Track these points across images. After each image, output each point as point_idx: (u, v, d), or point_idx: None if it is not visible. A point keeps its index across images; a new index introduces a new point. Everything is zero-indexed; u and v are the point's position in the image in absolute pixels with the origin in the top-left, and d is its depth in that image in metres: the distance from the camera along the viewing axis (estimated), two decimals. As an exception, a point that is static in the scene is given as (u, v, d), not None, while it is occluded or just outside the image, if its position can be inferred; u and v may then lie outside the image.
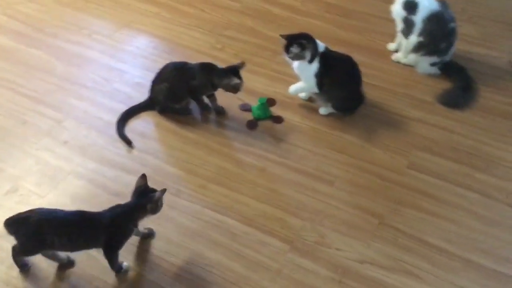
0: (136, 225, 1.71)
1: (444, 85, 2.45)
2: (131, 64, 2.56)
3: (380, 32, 2.74)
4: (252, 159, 2.12)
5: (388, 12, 2.48)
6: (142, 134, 2.20)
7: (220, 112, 2.28)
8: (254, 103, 2.29)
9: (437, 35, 2.38)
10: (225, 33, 2.74)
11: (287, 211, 1.93)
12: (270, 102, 2.33)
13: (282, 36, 2.16)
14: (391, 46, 2.65)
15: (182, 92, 2.21)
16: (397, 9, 2.41)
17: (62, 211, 1.65)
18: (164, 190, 1.68)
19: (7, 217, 1.62)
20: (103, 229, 1.63)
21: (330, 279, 1.73)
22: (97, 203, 1.91)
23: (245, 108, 2.31)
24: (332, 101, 2.25)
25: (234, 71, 2.13)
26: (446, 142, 2.20)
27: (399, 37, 2.56)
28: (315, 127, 2.25)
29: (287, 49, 2.14)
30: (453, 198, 1.99)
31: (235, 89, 2.15)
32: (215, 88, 2.20)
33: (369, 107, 2.33)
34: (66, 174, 2.04)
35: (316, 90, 2.22)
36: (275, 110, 2.31)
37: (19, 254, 1.70)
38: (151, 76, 2.32)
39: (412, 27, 2.40)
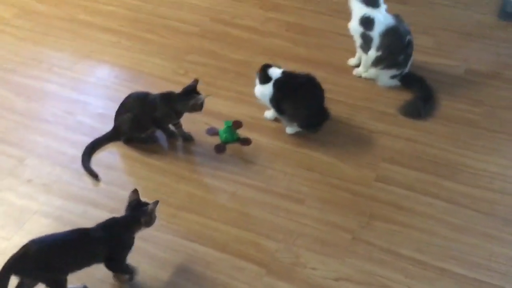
0: (133, 238, 1.71)
1: (405, 96, 2.50)
2: (93, 95, 2.52)
3: (340, 48, 2.79)
4: (222, 184, 2.11)
5: (346, 28, 2.53)
6: (108, 166, 2.16)
7: (187, 138, 2.27)
8: (221, 126, 2.29)
9: (394, 48, 2.44)
10: (187, 58, 2.74)
11: (260, 233, 1.92)
12: (237, 124, 2.33)
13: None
14: (352, 61, 2.70)
15: (146, 122, 2.19)
16: (354, 26, 2.47)
17: (54, 234, 1.64)
18: (156, 202, 1.71)
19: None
20: (102, 242, 1.64)
21: (308, 299, 1.73)
22: (65, 242, 1.87)
23: (212, 132, 2.30)
24: (296, 120, 2.27)
25: (193, 90, 2.13)
26: (411, 153, 2.24)
27: (359, 52, 2.62)
28: (283, 146, 2.26)
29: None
30: (421, 207, 2.02)
31: (202, 106, 2.13)
32: (179, 115, 2.18)
33: (334, 123, 2.36)
34: (31, 213, 1.98)
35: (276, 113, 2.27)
36: (242, 132, 2.31)
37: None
38: (114, 106, 2.29)
39: (370, 42, 2.46)
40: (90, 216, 1.96)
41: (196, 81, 2.15)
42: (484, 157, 2.22)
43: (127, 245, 1.70)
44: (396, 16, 2.46)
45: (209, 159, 2.20)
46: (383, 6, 2.43)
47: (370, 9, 2.40)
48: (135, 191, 1.73)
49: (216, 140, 2.27)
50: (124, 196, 2.02)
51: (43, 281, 1.63)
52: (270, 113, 2.36)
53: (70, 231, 1.65)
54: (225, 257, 1.84)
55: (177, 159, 2.21)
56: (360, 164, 2.19)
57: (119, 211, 1.96)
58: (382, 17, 2.41)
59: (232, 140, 2.26)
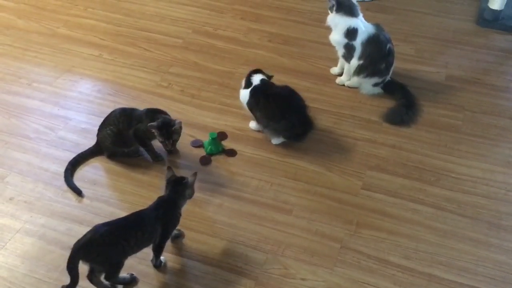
0: (180, 213, 1.78)
1: (388, 103, 2.53)
2: (76, 110, 2.49)
3: (323, 57, 2.81)
4: (208, 196, 2.09)
5: (328, 37, 2.55)
6: (92, 182, 2.13)
7: (172, 152, 2.25)
8: (205, 138, 2.28)
9: (376, 57, 2.47)
10: (170, 70, 2.73)
11: (248, 245, 1.91)
12: (221, 136, 2.32)
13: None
14: (334, 70, 2.72)
15: (130, 138, 2.17)
16: (338, 38, 2.48)
17: (115, 220, 1.72)
18: (195, 174, 1.80)
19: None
20: (158, 221, 1.71)
21: (298, 311, 1.72)
22: (50, 260, 1.84)
23: (197, 144, 2.29)
24: (280, 132, 2.26)
25: (164, 122, 2.06)
26: (396, 159, 2.26)
27: (341, 61, 2.64)
28: (268, 157, 2.26)
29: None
30: (408, 214, 2.03)
31: (152, 134, 2.08)
32: (152, 136, 2.12)
33: (319, 132, 2.37)
34: (14, 232, 1.93)
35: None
36: (227, 144, 2.30)
37: (109, 278, 1.70)
38: (97, 120, 2.26)
39: (353, 51, 2.48)
40: (75, 234, 1.91)
41: (179, 123, 2.09)
42: (467, 162, 2.25)
43: (177, 220, 1.78)
44: (377, 25, 2.49)
45: (195, 171, 2.17)
46: (361, 14, 2.46)
47: (354, 20, 2.43)
48: (169, 168, 1.80)
49: (201, 152, 2.26)
50: (109, 212, 2.01)
51: (106, 266, 1.68)
52: (255, 124, 2.36)
53: (128, 215, 1.74)
54: (213, 270, 1.82)
55: (162, 173, 2.16)
56: (346, 172, 2.19)
57: (104, 227, 1.94)
58: (363, 26, 2.44)
59: (217, 151, 2.25)
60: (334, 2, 2.43)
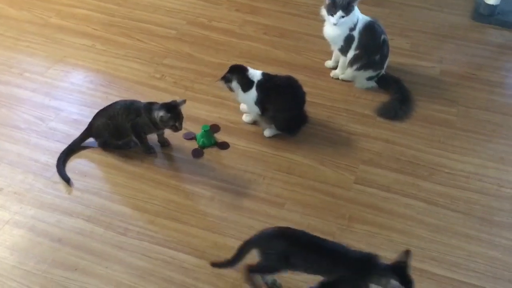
0: None
1: (382, 98, 2.52)
2: (67, 100, 2.46)
3: (317, 50, 2.79)
4: (200, 189, 2.07)
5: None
6: (83, 173, 2.11)
7: (164, 144, 2.23)
8: (198, 131, 2.26)
9: (370, 47, 2.45)
10: (164, 61, 2.71)
11: (240, 239, 1.87)
12: (214, 128, 2.31)
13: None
14: (329, 63, 2.70)
15: (126, 130, 2.14)
16: (340, 31, 2.42)
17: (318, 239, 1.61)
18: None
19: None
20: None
21: (289, 305, 1.71)
22: (39, 252, 1.82)
23: (189, 137, 2.27)
24: (275, 123, 2.25)
25: (169, 106, 2.04)
26: (389, 154, 2.25)
27: (336, 54, 2.62)
28: (261, 150, 2.24)
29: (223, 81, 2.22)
30: (400, 209, 2.02)
31: (162, 122, 2.05)
32: (157, 127, 2.11)
33: (312, 125, 2.35)
34: (3, 223, 1.91)
35: (259, 113, 2.24)
36: (219, 136, 2.29)
37: (263, 271, 1.68)
38: (88, 111, 2.25)
39: (352, 43, 2.45)
40: (65, 226, 1.91)
41: (183, 101, 2.07)
42: (461, 157, 2.24)
43: None
44: (372, 18, 2.47)
45: (187, 164, 2.16)
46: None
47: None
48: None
49: (193, 145, 2.24)
50: (100, 204, 1.99)
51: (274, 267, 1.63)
52: (248, 117, 2.34)
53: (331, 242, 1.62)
54: (204, 263, 1.80)
55: (154, 165, 2.16)
56: (339, 166, 2.18)
57: (95, 219, 1.93)
58: (360, 15, 2.42)
59: (209, 144, 2.24)
60: None
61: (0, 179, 2.07)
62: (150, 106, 2.10)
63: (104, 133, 2.16)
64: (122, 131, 2.14)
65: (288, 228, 1.64)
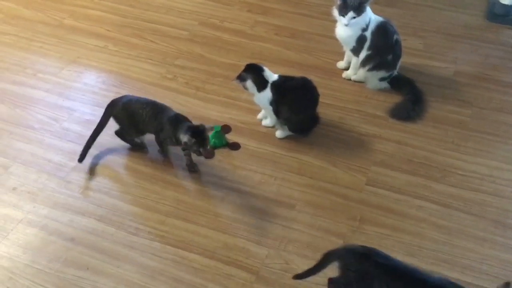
0: None
1: (395, 98, 2.49)
2: (80, 101, 2.48)
3: (329, 51, 2.78)
4: (211, 189, 2.08)
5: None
6: (94, 173, 2.13)
7: (192, 169, 2.13)
8: (209, 131, 2.26)
9: (383, 47, 2.43)
10: (176, 62, 2.72)
11: (250, 239, 1.89)
12: (225, 129, 2.31)
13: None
14: (340, 64, 2.68)
15: (146, 130, 2.12)
16: (353, 32, 2.41)
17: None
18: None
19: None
20: None
21: (299, 306, 1.70)
22: (52, 251, 1.84)
23: (201, 137, 2.28)
24: (288, 124, 2.24)
25: (195, 130, 1.94)
26: (401, 155, 2.23)
27: (348, 55, 2.60)
28: (272, 151, 2.24)
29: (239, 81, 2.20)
30: (412, 211, 2.00)
31: (186, 145, 1.96)
32: (179, 143, 2.01)
33: (324, 127, 2.34)
34: (16, 222, 1.93)
35: (273, 117, 2.24)
36: (231, 137, 2.29)
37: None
38: (101, 112, 2.25)
39: (364, 43, 2.44)
40: (77, 225, 1.93)
41: (211, 129, 2.00)
42: (474, 159, 2.22)
43: None
44: (385, 19, 2.45)
45: (198, 165, 2.16)
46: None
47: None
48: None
49: (204, 145, 2.24)
50: (112, 203, 2.00)
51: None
52: (268, 120, 2.33)
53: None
54: (214, 264, 1.81)
55: (164, 165, 2.17)
56: (351, 168, 2.17)
57: (106, 218, 1.94)
58: (372, 15, 2.41)
59: (220, 145, 2.24)
60: None
61: (14, 178, 2.10)
62: (176, 123, 2.01)
63: (124, 124, 2.15)
64: (142, 129, 2.12)
65: (375, 250, 1.55)
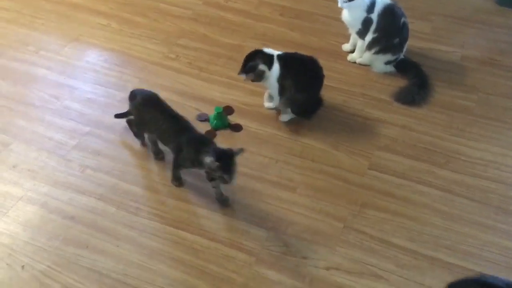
0: None
1: (400, 82, 2.46)
2: (82, 79, 2.46)
3: (335, 33, 2.73)
4: (212, 171, 2.06)
5: (341, 13, 2.48)
6: (96, 152, 2.11)
7: (224, 202, 1.93)
8: (211, 112, 2.24)
9: (390, 29, 2.39)
10: (179, 42, 2.68)
11: (250, 222, 1.88)
12: (227, 110, 2.28)
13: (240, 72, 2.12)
14: (346, 46, 2.64)
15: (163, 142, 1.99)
16: (358, 14, 2.37)
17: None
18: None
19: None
20: None
21: (298, 289, 1.70)
22: (51, 229, 1.84)
23: (202, 118, 2.25)
24: (292, 106, 2.21)
25: (222, 154, 1.74)
26: (405, 140, 2.20)
27: (354, 38, 2.56)
28: (274, 133, 2.22)
29: (247, 74, 2.11)
30: (415, 196, 1.99)
31: (209, 169, 1.75)
32: (202, 167, 1.81)
33: (327, 110, 2.31)
34: (16, 200, 1.93)
35: (277, 97, 2.19)
36: (233, 118, 2.26)
37: None
38: (103, 90, 2.24)
39: (370, 25, 2.40)
40: (77, 204, 1.92)
41: (241, 150, 1.77)
42: (479, 145, 2.19)
43: None
44: (391, 1, 2.40)
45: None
46: None
47: None
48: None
49: (206, 126, 2.22)
50: (112, 183, 1.99)
51: None
52: (271, 103, 2.29)
53: None
54: (214, 245, 1.80)
55: (166, 146, 2.15)
56: (353, 151, 2.15)
57: (107, 197, 1.94)
58: None
59: (222, 126, 2.22)
60: None
61: (14, 156, 2.09)
62: (198, 145, 1.81)
63: (136, 120, 2.05)
64: (162, 139, 1.97)
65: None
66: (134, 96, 2.03)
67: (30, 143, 2.14)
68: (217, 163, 1.71)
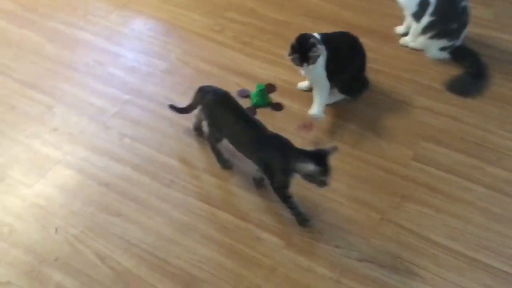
0: None
1: (455, 71, 2.32)
2: (126, 47, 2.45)
3: (389, 14, 2.59)
4: (249, 149, 2.02)
5: (397, -8, 2.34)
6: (134, 121, 2.11)
7: (304, 223, 1.78)
8: (253, 89, 2.18)
9: (448, 13, 2.24)
10: (225, 14, 2.62)
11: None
12: (270, 88, 2.22)
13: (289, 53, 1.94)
14: (400, 29, 2.51)
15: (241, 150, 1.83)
16: None
17: None
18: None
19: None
20: None
21: (327, 278, 1.65)
22: (87, 194, 1.86)
23: (243, 94, 2.20)
24: (337, 84, 2.10)
25: (317, 157, 1.60)
26: (454, 132, 2.08)
27: (409, 20, 2.42)
28: (316, 115, 2.14)
29: (304, 59, 1.91)
30: (460, 192, 1.88)
31: (308, 176, 1.62)
32: (292, 175, 1.68)
33: (373, 94, 2.21)
34: (55, 163, 1.96)
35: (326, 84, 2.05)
36: (274, 97, 2.20)
37: None
38: (145, 59, 2.22)
39: (427, 7, 2.25)
40: (113, 171, 1.93)
41: (334, 149, 1.62)
42: (535, 144, 2.05)
43: None
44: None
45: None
46: None
47: None
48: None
49: (247, 103, 2.17)
50: (148, 153, 1.98)
51: None
52: (304, 83, 2.22)
53: None
54: (245, 225, 1.77)
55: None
56: (397, 140, 2.05)
57: (142, 168, 1.93)
58: None
59: (263, 104, 2.16)
60: None
61: (57, 119, 2.11)
62: (285, 150, 1.68)
63: (214, 130, 1.88)
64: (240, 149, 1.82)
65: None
66: (204, 93, 1.86)
67: (72, 108, 2.15)
68: (318, 169, 1.58)
